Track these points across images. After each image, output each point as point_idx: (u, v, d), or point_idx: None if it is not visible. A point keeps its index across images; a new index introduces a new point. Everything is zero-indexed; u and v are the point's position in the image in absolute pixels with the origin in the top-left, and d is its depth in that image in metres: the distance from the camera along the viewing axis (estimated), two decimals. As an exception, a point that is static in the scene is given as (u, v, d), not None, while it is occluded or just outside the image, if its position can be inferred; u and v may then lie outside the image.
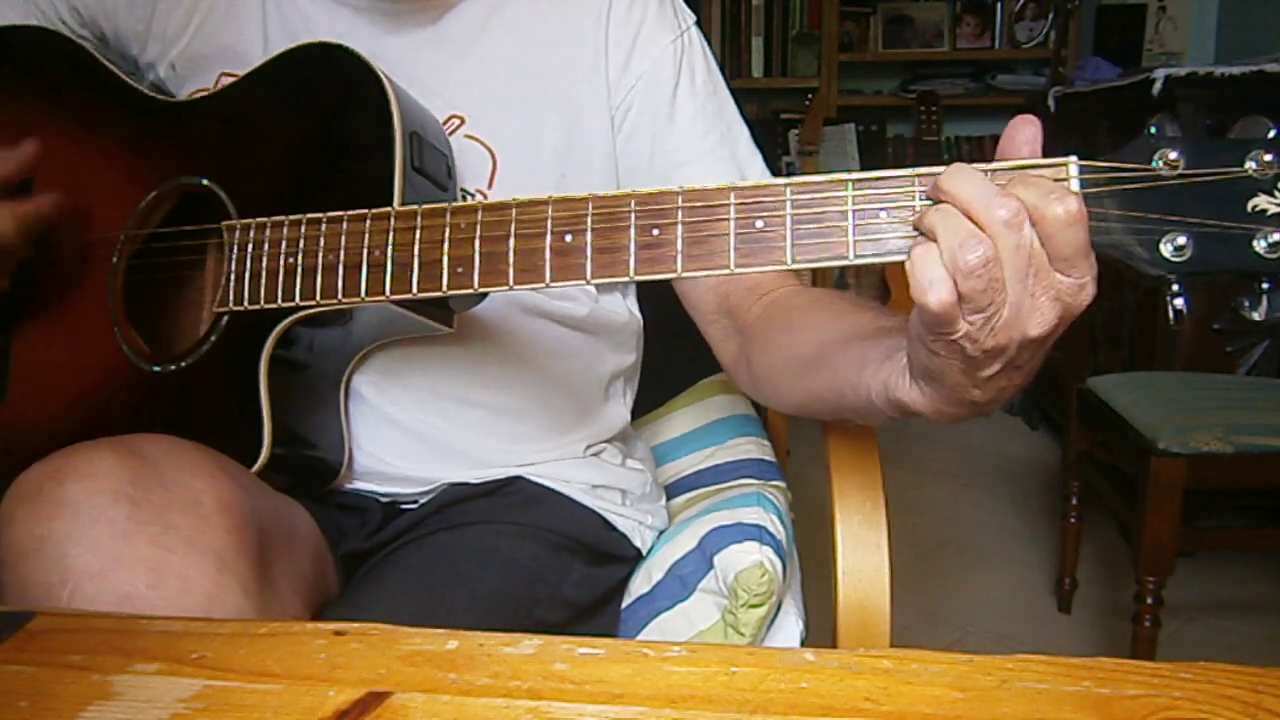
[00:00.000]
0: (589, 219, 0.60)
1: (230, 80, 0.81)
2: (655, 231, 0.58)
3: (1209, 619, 1.98)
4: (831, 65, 3.61)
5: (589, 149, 0.84)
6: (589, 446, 0.91)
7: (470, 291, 0.63)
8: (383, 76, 0.71)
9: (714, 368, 1.24)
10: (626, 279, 0.59)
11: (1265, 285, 0.53)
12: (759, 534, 0.86)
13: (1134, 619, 1.65)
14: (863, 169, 0.56)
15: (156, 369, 0.76)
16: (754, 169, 0.89)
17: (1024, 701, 0.39)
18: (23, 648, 0.46)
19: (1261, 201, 0.50)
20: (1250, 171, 0.50)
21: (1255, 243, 0.50)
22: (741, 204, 0.57)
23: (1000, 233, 0.48)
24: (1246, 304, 0.53)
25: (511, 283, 0.61)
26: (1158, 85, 2.07)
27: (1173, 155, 0.50)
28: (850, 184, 0.55)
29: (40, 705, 0.42)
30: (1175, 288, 0.55)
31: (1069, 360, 2.71)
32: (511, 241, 0.61)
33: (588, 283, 0.60)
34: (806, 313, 0.77)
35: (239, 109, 0.78)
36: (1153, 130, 0.48)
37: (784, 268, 0.56)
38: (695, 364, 1.21)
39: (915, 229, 0.53)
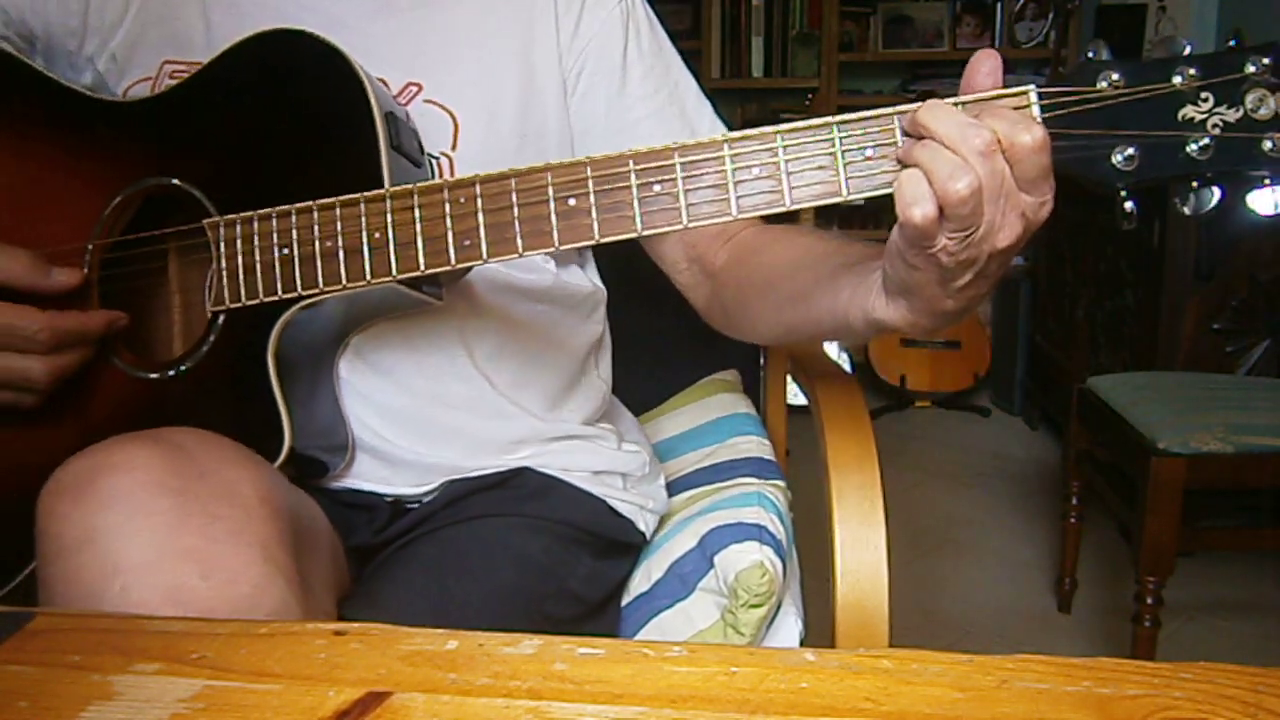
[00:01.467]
0: (589, 181, 0.62)
1: (174, 67, 0.80)
2: (656, 187, 0.61)
3: (1209, 619, 1.98)
4: (831, 65, 3.61)
5: (544, 110, 0.86)
6: (586, 420, 0.92)
7: (480, 263, 0.64)
8: (353, 61, 0.70)
9: (715, 366, 1.24)
10: (634, 235, 0.62)
11: (1195, 184, 0.60)
12: (759, 534, 0.86)
13: (1134, 619, 1.65)
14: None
15: (155, 376, 0.74)
16: (704, 122, 0.92)
17: (1024, 701, 0.39)
18: (23, 648, 0.46)
19: (1189, 110, 0.57)
20: (1178, 85, 0.57)
21: (1188, 147, 0.58)
22: (736, 154, 0.60)
23: (977, 161, 0.54)
24: (1177, 202, 0.61)
25: (520, 250, 0.63)
26: (1105, 52, 2.06)
27: (1115, 76, 0.57)
28: (834, 126, 0.59)
29: (40, 705, 0.42)
30: (1124, 194, 0.61)
31: (1069, 360, 2.71)
32: (515, 210, 0.63)
33: (596, 242, 0.62)
34: (772, 250, 0.81)
35: (201, 104, 0.76)
36: (1089, 54, 0.55)
37: (783, 209, 0.60)
38: (696, 362, 1.22)
39: (899, 161, 0.58)
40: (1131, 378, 1.90)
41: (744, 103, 3.79)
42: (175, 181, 0.74)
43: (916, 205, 0.55)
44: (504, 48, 0.84)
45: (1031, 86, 0.58)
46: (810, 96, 3.40)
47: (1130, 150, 0.58)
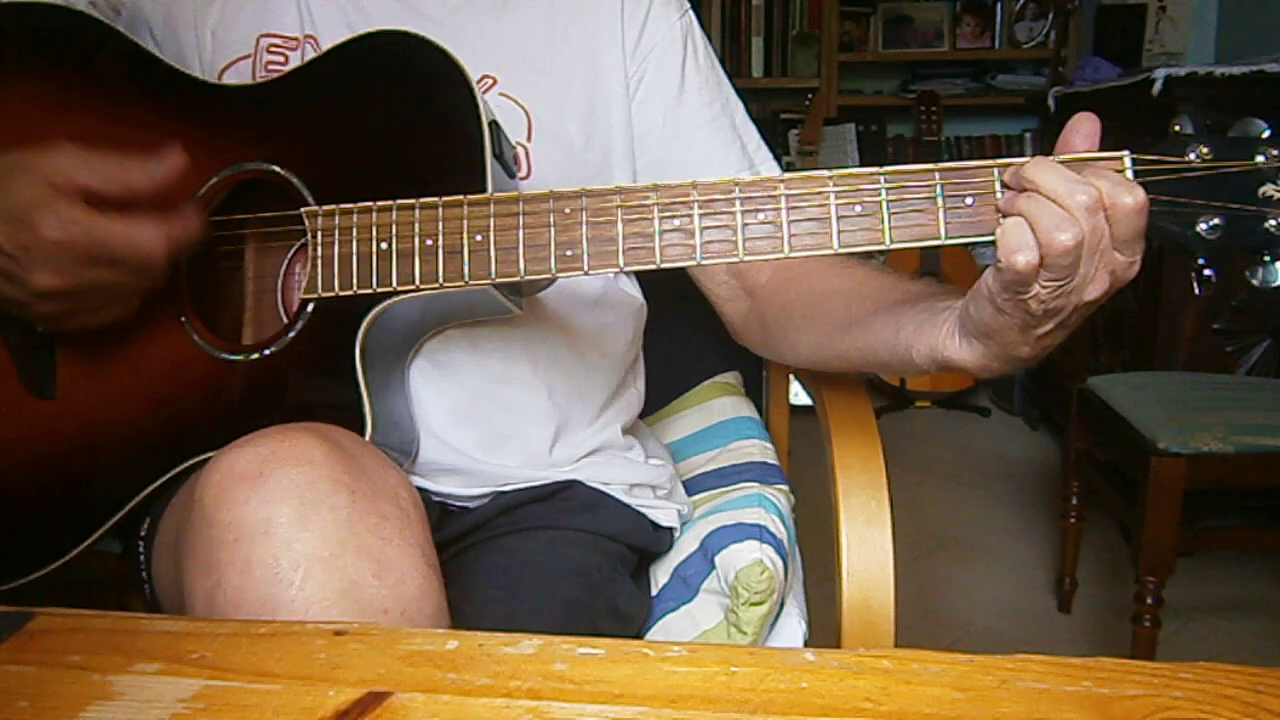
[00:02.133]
0: (695, 205, 0.65)
1: (270, 40, 0.82)
2: (761, 215, 0.64)
3: (1209, 619, 1.98)
4: (831, 65, 3.61)
5: (609, 111, 0.90)
6: (625, 429, 0.93)
7: (580, 273, 0.66)
8: (464, 68, 0.72)
9: (717, 369, 1.24)
10: (736, 259, 0.64)
11: (1266, 257, 0.64)
12: (759, 533, 0.86)
13: (1134, 619, 1.65)
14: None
15: (238, 358, 0.74)
16: (751, 138, 0.96)
17: (1024, 701, 0.39)
18: (23, 648, 0.46)
19: (1269, 189, 0.61)
20: (1259, 164, 0.60)
21: (1268, 223, 0.61)
22: (840, 191, 0.63)
23: (1082, 216, 0.57)
24: (1247, 273, 0.65)
25: (622, 265, 0.66)
26: (1158, 85, 2.07)
27: (1205, 149, 0.61)
28: (937, 172, 0.62)
29: (40, 705, 0.42)
30: (1201, 261, 0.66)
31: (1069, 360, 2.71)
32: (620, 226, 0.66)
33: (698, 264, 0.65)
34: (823, 275, 0.84)
35: (305, 96, 0.76)
36: (1177, 129, 0.60)
37: (881, 247, 0.63)
38: (697, 366, 1.21)
39: (1001, 211, 0.61)
40: (1131, 378, 1.90)
41: (744, 103, 3.79)
42: (275, 168, 0.74)
43: (1020, 253, 0.57)
44: (573, 51, 0.88)
45: (1126, 153, 0.61)
46: (810, 96, 3.40)
47: (1216, 220, 0.62)
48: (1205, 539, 1.94)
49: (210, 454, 0.64)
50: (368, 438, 0.71)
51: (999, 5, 3.61)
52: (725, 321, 0.96)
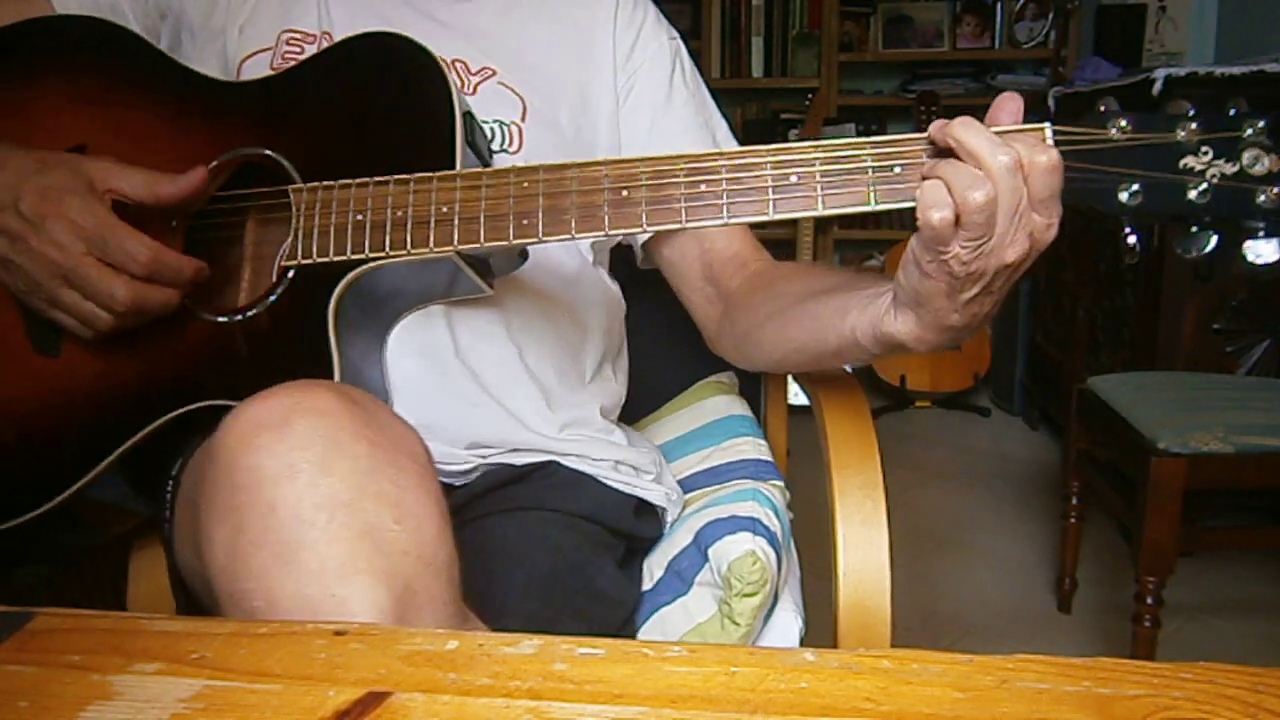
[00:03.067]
0: (642, 176, 0.70)
1: (290, 34, 0.90)
2: (703, 186, 0.68)
3: (1209, 619, 1.98)
4: (831, 65, 3.61)
5: (598, 111, 0.97)
6: (599, 409, 0.95)
7: (534, 241, 0.71)
8: (443, 66, 0.79)
9: (709, 369, 1.24)
10: (679, 226, 0.69)
11: (1194, 228, 0.67)
12: (752, 525, 0.86)
13: (1134, 619, 1.65)
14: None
15: (222, 319, 0.79)
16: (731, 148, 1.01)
17: (1024, 701, 0.39)
18: (23, 648, 0.46)
19: (1189, 160, 0.65)
20: (1179, 137, 0.65)
21: (1189, 191, 0.65)
22: (776, 161, 0.67)
23: (1002, 175, 0.60)
24: (1176, 243, 0.67)
25: (574, 231, 0.71)
26: (1158, 85, 2.07)
27: (1123, 123, 0.65)
28: (869, 144, 0.66)
29: (40, 705, 0.42)
30: (1127, 229, 0.69)
31: (1069, 360, 2.71)
32: (574, 197, 0.71)
33: (644, 230, 0.70)
34: (786, 278, 0.89)
35: (302, 90, 0.83)
36: (1101, 107, 0.64)
37: (815, 213, 0.66)
38: (691, 366, 1.21)
39: (923, 176, 0.64)
40: (1131, 378, 1.90)
41: (744, 103, 3.79)
42: (267, 152, 0.81)
43: (935, 209, 0.61)
44: (568, 55, 0.96)
45: (1047, 125, 0.65)
46: (810, 96, 3.40)
47: (1135, 187, 0.65)
48: (1205, 539, 1.95)
49: (202, 402, 0.77)
50: None
51: (999, 5, 3.61)
52: (701, 329, 1.00)
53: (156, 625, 0.48)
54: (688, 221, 0.69)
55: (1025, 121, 0.65)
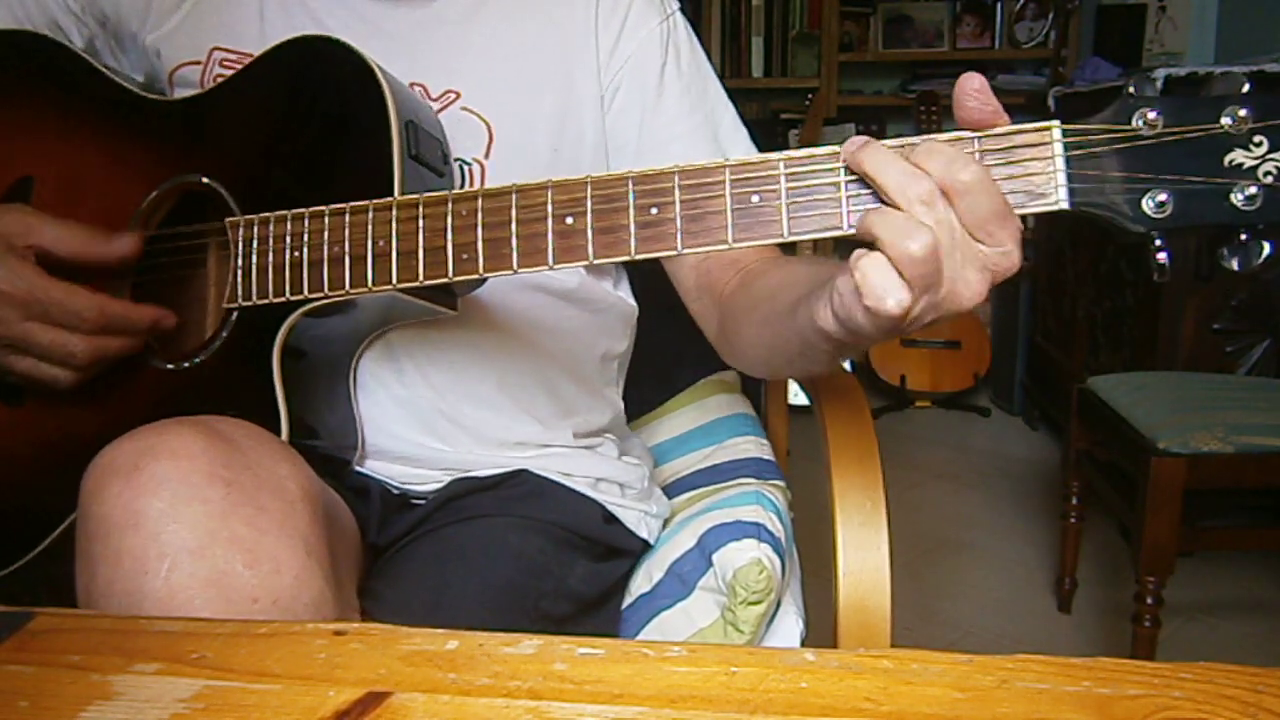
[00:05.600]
0: (588, 201, 0.61)
1: (224, 54, 0.83)
2: (654, 210, 0.59)
3: (1209, 619, 1.98)
4: (831, 65, 3.61)
5: (580, 126, 0.87)
6: (589, 433, 0.92)
7: (475, 277, 0.64)
8: (376, 69, 0.72)
9: (712, 368, 1.24)
10: (628, 258, 0.60)
11: (1244, 237, 0.53)
12: (757, 531, 0.86)
13: (1134, 619, 1.65)
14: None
15: (170, 366, 0.76)
16: (738, 148, 0.91)
17: (1024, 701, 0.39)
18: (23, 648, 0.46)
19: (1238, 156, 0.51)
20: (1226, 127, 0.51)
21: (1233, 195, 0.51)
22: (736, 179, 0.58)
23: (920, 212, 0.51)
24: (1225, 254, 0.56)
25: (515, 266, 0.63)
26: (1158, 85, 2.07)
27: (1151, 115, 0.52)
28: (781, 164, 0.57)
29: (40, 705, 0.42)
30: (1158, 243, 0.54)
31: (1069, 360, 2.71)
32: (514, 226, 0.63)
33: (590, 263, 0.61)
34: (768, 273, 0.80)
35: (235, 106, 0.78)
36: (1130, 90, 0.50)
37: (780, 240, 0.57)
38: (694, 364, 1.21)
39: (859, 235, 0.54)
40: (1131, 378, 1.90)
41: (744, 103, 3.79)
42: (205, 180, 0.76)
43: (890, 296, 0.51)
44: (543, 61, 0.86)
45: (1056, 123, 0.53)
46: (810, 96, 3.39)
47: (1162, 196, 0.52)
48: (1205, 539, 1.94)
49: None
50: (284, 438, 0.72)
51: (999, 5, 3.61)
52: (707, 336, 0.92)
53: (156, 625, 0.48)
54: (637, 253, 0.60)
55: (1024, 121, 0.55)
